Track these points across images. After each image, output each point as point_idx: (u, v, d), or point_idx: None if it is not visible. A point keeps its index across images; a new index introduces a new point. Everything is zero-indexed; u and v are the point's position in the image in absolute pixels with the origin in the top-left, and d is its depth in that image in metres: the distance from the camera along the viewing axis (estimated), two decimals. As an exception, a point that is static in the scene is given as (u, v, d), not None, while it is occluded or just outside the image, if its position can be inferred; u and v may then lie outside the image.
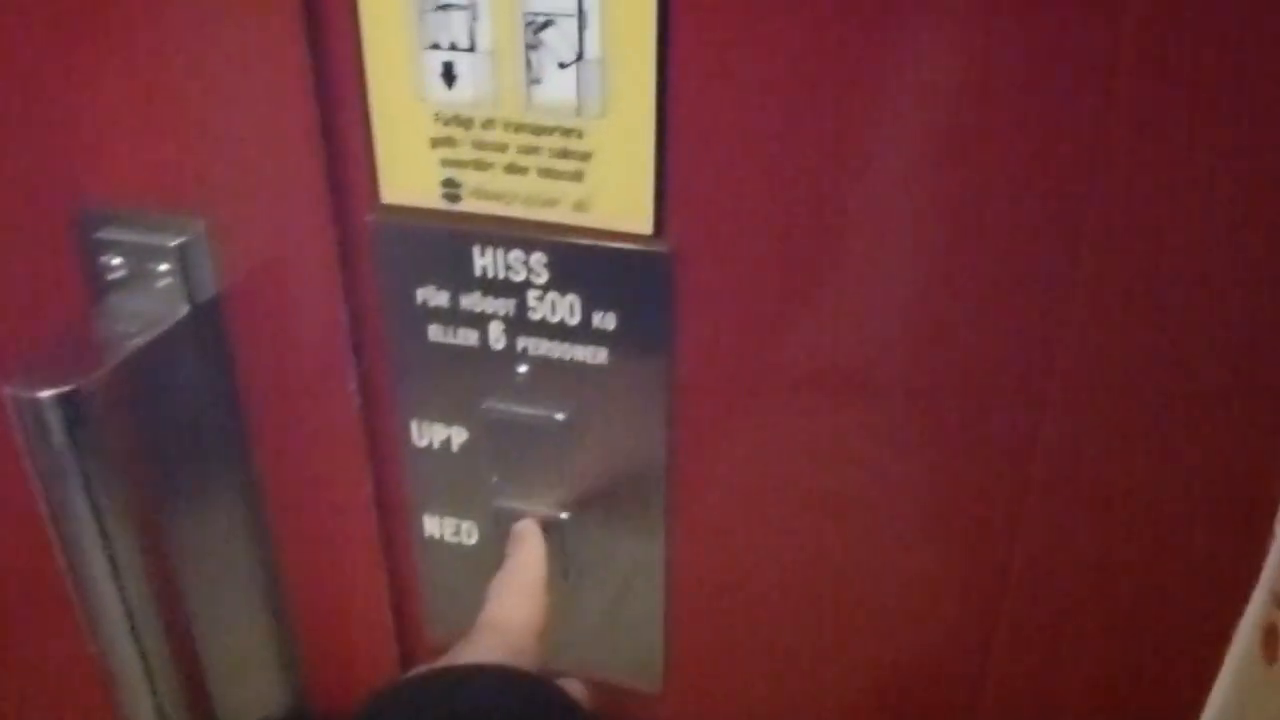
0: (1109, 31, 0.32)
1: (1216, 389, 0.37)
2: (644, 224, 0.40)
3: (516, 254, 0.42)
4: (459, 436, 0.47)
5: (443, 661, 0.39)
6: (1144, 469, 0.39)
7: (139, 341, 0.46)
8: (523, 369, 0.44)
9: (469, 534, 0.49)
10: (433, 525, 0.50)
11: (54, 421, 0.43)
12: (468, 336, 0.44)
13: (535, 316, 0.43)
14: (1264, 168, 0.33)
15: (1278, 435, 0.37)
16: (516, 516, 0.47)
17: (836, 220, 0.38)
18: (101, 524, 0.45)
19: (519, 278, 0.42)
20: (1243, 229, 0.34)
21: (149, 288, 0.47)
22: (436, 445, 0.47)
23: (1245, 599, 0.40)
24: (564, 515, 0.47)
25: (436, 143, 0.41)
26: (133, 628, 0.48)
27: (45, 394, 0.43)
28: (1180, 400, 0.38)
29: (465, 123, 0.40)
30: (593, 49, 0.37)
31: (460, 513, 0.49)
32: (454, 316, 0.44)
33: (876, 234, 0.38)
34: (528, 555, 0.44)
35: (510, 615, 0.41)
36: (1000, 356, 0.39)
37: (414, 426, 0.47)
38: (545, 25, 0.37)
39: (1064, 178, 0.35)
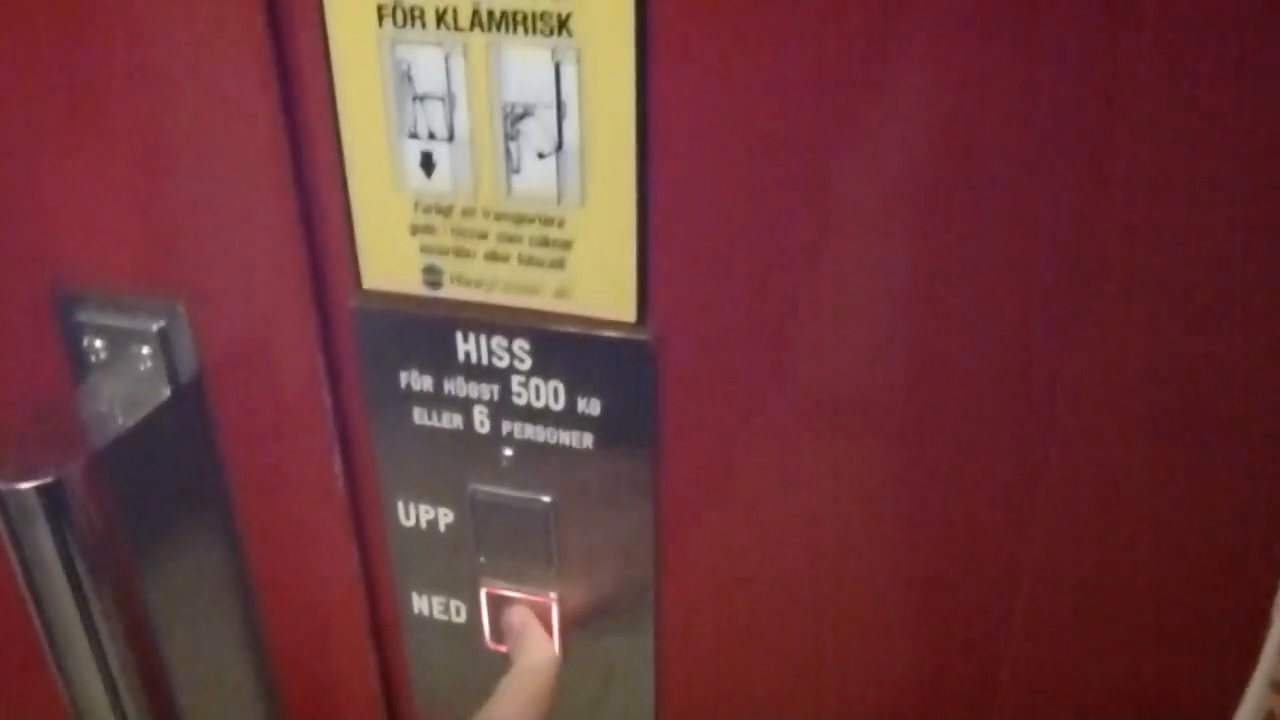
0: (1105, 64, 0.32)
1: (1224, 421, 0.37)
2: (627, 312, 0.39)
3: (499, 340, 0.41)
4: (445, 517, 0.46)
5: None
6: (1149, 500, 0.39)
7: (121, 425, 0.46)
8: (508, 453, 0.43)
9: (457, 612, 0.49)
10: (420, 603, 0.49)
11: (35, 512, 0.43)
12: (452, 420, 0.44)
13: (520, 401, 0.42)
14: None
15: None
16: (504, 598, 0.47)
17: (820, 308, 0.37)
18: (84, 608, 0.45)
19: (502, 363, 0.42)
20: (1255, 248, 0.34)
21: (130, 370, 0.47)
22: (423, 525, 0.47)
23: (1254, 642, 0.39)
24: (552, 596, 0.46)
25: (416, 230, 0.40)
26: (118, 709, 0.47)
27: (26, 486, 0.42)
28: (1187, 430, 0.37)
29: (445, 210, 0.40)
30: (572, 139, 0.37)
31: (447, 591, 0.48)
32: (438, 400, 0.43)
33: (860, 322, 0.37)
34: (540, 659, 0.44)
35: (511, 716, 0.41)
36: (989, 420, 0.39)
37: (400, 507, 0.47)
38: (523, 116, 0.37)
39: (1061, 230, 0.35)
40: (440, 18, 0.36)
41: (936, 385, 0.38)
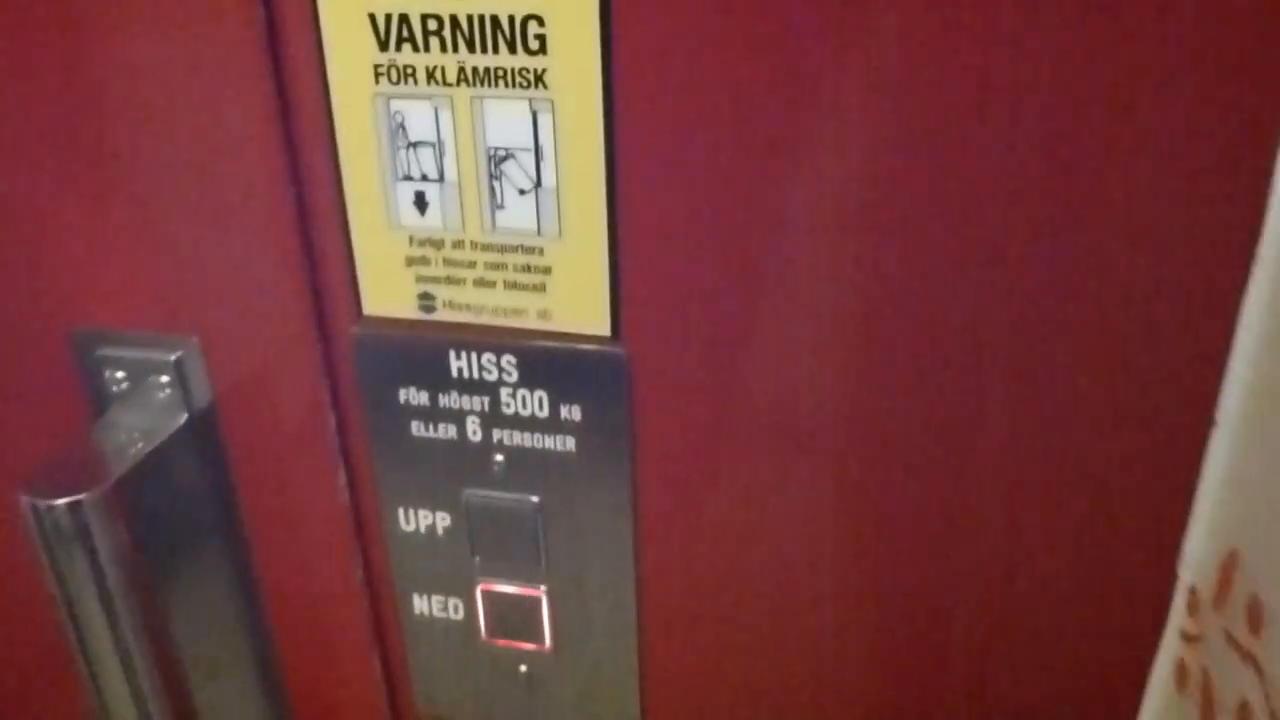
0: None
1: (1131, 432, 0.42)
2: (602, 328, 0.44)
3: (489, 357, 0.46)
4: (442, 521, 0.51)
5: None
6: (1064, 515, 0.44)
7: (143, 449, 0.50)
8: (499, 458, 0.48)
9: (455, 611, 0.53)
10: (421, 604, 0.54)
11: (67, 527, 0.47)
12: (447, 431, 0.48)
13: (508, 411, 0.47)
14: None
15: (1175, 489, 0.42)
16: (498, 594, 0.52)
17: (775, 322, 0.43)
18: (110, 612, 0.49)
19: (492, 377, 0.46)
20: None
21: (149, 400, 0.51)
22: (422, 530, 0.51)
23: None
24: (542, 589, 0.51)
25: (411, 261, 0.45)
26: (140, 703, 0.51)
27: (59, 502, 0.47)
28: (1099, 458, 0.43)
29: (437, 244, 0.44)
30: (549, 178, 0.42)
31: (446, 591, 0.53)
32: (434, 414, 0.48)
33: (810, 335, 0.43)
34: None
35: None
36: (926, 418, 0.44)
37: (400, 514, 0.51)
38: (505, 158, 0.42)
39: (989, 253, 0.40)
40: (430, 75, 0.41)
41: (885, 399, 0.43)
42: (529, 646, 0.53)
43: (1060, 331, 0.41)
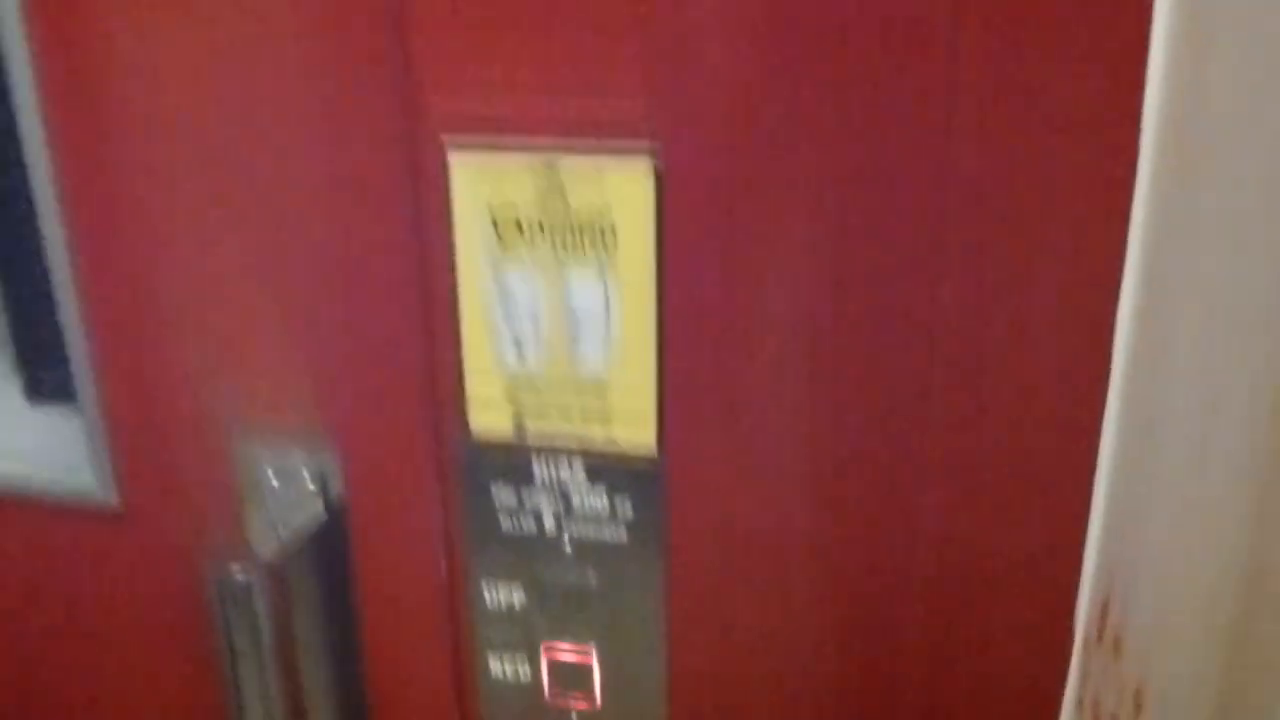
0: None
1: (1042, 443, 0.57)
2: (650, 445, 0.60)
3: (564, 463, 0.62)
4: (520, 598, 0.65)
5: None
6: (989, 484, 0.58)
7: (289, 534, 0.65)
8: (568, 546, 0.63)
9: (523, 670, 0.67)
10: (495, 665, 0.68)
11: (239, 589, 0.62)
12: (529, 524, 0.63)
13: (577, 507, 0.62)
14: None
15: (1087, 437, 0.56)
16: (559, 654, 0.66)
17: (788, 448, 0.58)
18: (260, 666, 0.63)
19: (565, 480, 0.62)
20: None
21: (294, 493, 0.67)
22: (503, 606, 0.66)
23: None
24: (595, 654, 0.65)
25: (509, 394, 0.61)
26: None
27: (235, 566, 0.62)
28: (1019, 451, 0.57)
29: (530, 380, 0.61)
30: (616, 332, 0.58)
31: (517, 655, 0.67)
32: (519, 511, 0.63)
33: (818, 468, 0.58)
34: None
35: None
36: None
37: (485, 591, 0.66)
38: (583, 318, 0.59)
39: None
40: (532, 257, 0.58)
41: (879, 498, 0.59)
42: (582, 702, 0.67)
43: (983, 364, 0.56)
